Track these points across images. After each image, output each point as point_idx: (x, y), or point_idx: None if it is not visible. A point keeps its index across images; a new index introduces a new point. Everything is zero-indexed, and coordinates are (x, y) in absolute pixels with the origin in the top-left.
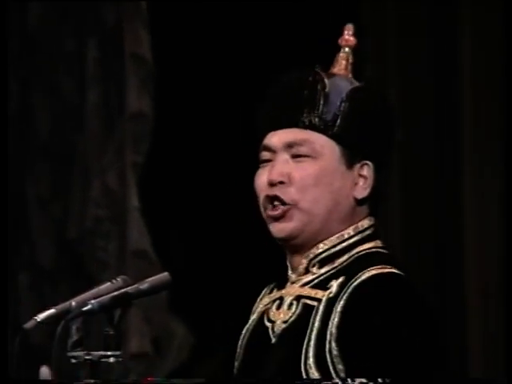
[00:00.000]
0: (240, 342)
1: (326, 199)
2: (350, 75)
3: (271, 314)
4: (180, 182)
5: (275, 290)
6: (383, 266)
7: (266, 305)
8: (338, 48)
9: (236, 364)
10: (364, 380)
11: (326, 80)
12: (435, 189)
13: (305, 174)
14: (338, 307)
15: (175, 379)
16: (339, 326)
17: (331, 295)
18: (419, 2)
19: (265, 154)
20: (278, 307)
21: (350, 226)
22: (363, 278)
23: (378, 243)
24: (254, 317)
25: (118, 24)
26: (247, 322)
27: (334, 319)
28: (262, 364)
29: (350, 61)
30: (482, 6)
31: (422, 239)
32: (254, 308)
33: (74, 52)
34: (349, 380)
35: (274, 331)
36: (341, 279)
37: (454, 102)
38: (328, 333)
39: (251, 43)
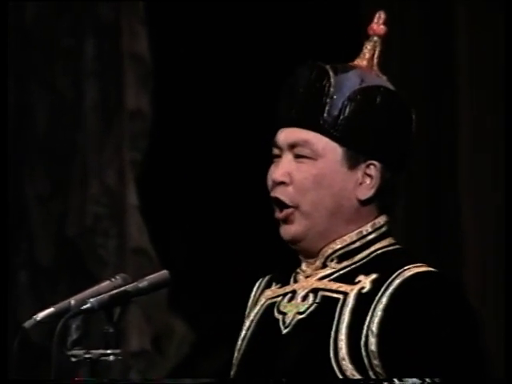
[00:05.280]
0: (243, 335)
1: (327, 202)
2: (375, 67)
3: (282, 306)
4: (178, 179)
5: (276, 284)
6: (421, 264)
7: (271, 298)
8: (367, 37)
9: (237, 355)
10: (417, 380)
11: (331, 80)
12: (432, 189)
13: (303, 177)
14: (380, 305)
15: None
16: (383, 323)
17: (364, 291)
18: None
19: (275, 150)
20: (290, 300)
21: (366, 224)
22: (406, 275)
23: (392, 240)
24: (256, 309)
25: (115, 21)
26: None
27: (375, 316)
28: (274, 354)
29: (377, 50)
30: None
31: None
32: (250, 302)
33: (71, 49)
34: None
35: (285, 322)
36: (374, 276)
37: (452, 97)
38: (365, 328)
39: (249, 40)
